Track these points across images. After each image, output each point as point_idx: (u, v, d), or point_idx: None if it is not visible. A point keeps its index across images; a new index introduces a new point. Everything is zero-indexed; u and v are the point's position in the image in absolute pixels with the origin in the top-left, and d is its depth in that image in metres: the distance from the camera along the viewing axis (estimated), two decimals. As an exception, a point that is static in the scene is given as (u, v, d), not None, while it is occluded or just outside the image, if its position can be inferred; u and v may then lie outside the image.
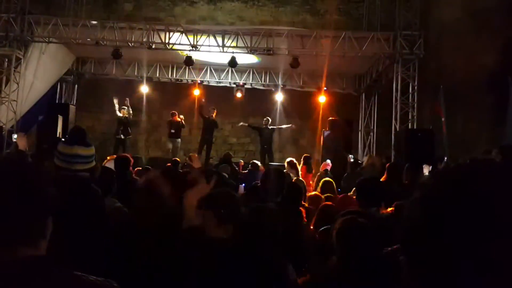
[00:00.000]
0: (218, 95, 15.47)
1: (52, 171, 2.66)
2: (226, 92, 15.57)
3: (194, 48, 12.41)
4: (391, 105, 12.14)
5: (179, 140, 14.14)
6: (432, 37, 12.07)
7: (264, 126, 13.50)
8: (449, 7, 12.15)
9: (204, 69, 15.33)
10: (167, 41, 12.39)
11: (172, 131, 13.98)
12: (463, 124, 11.08)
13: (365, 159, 11.43)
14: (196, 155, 11.69)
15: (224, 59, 12.98)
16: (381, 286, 2.19)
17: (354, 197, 4.51)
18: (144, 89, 14.86)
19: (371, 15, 13.98)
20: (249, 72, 15.36)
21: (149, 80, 14.96)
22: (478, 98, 10.31)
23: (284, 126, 13.73)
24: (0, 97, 12.52)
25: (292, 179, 5.69)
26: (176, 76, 15.48)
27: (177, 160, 10.41)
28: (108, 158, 9.75)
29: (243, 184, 8.30)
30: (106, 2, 15.86)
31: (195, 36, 12.33)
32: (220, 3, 15.80)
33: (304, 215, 4.18)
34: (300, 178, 8.06)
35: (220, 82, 15.64)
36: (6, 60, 12.40)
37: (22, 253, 1.15)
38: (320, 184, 6.81)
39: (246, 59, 13.47)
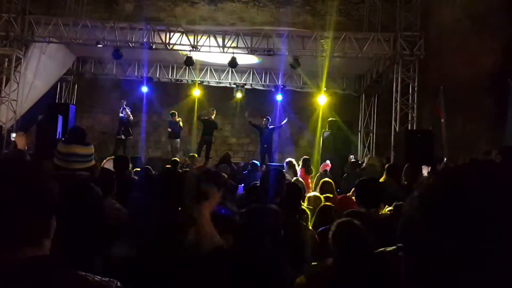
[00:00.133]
0: (218, 96, 15.50)
1: (51, 171, 2.66)
2: (226, 92, 15.59)
3: (194, 49, 12.42)
4: (391, 106, 12.15)
5: (178, 140, 14.15)
6: (433, 38, 12.07)
7: (264, 126, 13.51)
8: (449, 9, 12.15)
9: (204, 70, 15.35)
10: (167, 41, 12.40)
11: (169, 130, 14.00)
12: (462, 125, 11.07)
13: (365, 159, 11.43)
14: (197, 156, 11.74)
15: (224, 59, 12.99)
16: (380, 286, 2.20)
17: (354, 197, 4.51)
18: (144, 89, 14.86)
19: (372, 16, 13.98)
20: (249, 73, 15.38)
21: (149, 80, 14.97)
22: (478, 99, 10.31)
23: (282, 123, 13.72)
24: (0, 96, 12.53)
25: (289, 180, 5.67)
26: (176, 76, 15.50)
27: (177, 160, 10.41)
28: (108, 158, 9.76)
29: (242, 185, 8.28)
30: (106, 2, 15.86)
31: (196, 37, 12.33)
32: (220, 4, 15.80)
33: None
34: (300, 179, 8.07)
35: (220, 83, 15.65)
36: (7, 60, 12.41)
37: (26, 253, 1.14)
38: (320, 184, 6.81)
39: (246, 59, 13.48)
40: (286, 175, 6.97)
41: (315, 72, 13.93)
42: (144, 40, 12.43)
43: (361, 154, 14.96)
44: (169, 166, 8.72)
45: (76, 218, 2.17)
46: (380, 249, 2.42)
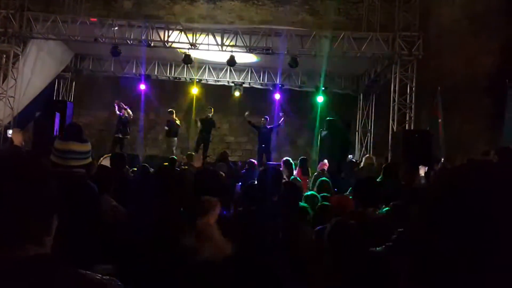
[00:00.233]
0: (216, 94, 15.48)
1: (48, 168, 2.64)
2: (225, 91, 15.57)
3: (193, 47, 12.40)
4: (389, 106, 12.16)
5: (175, 139, 14.12)
6: (431, 38, 12.08)
7: (262, 125, 13.50)
8: (448, 9, 12.17)
9: (203, 68, 15.34)
10: (166, 39, 12.38)
11: (166, 128, 13.98)
12: (460, 125, 11.08)
13: (363, 159, 11.44)
14: (196, 154, 11.71)
15: (223, 58, 12.98)
16: (370, 286, 2.20)
17: (351, 197, 4.51)
18: (142, 87, 14.83)
19: (371, 16, 13.98)
20: (248, 71, 15.36)
21: (148, 78, 14.94)
22: (476, 99, 10.33)
23: (280, 121, 13.71)
24: (-2, 93, 12.51)
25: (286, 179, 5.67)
26: (174, 74, 15.47)
27: (175, 159, 10.39)
28: (105, 156, 9.74)
29: (239, 183, 8.28)
30: (105, -1, 15.84)
31: (194, 35, 12.32)
32: (219, 2, 15.78)
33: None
34: (297, 178, 8.07)
35: (218, 81, 15.64)
36: (4, 56, 12.38)
37: (27, 251, 1.14)
38: (317, 183, 6.81)
39: (245, 58, 13.46)
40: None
41: (313, 71, 13.95)
42: (143, 37, 12.41)
43: (358, 154, 14.97)
44: (167, 164, 8.71)
45: (72, 216, 2.16)
46: (371, 249, 2.43)
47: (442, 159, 9.61)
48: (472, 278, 0.92)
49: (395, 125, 11.87)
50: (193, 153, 11.08)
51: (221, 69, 15.31)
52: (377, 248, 2.17)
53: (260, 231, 2.40)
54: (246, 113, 13.66)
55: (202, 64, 15.04)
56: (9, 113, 12.47)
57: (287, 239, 2.69)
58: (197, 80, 15.35)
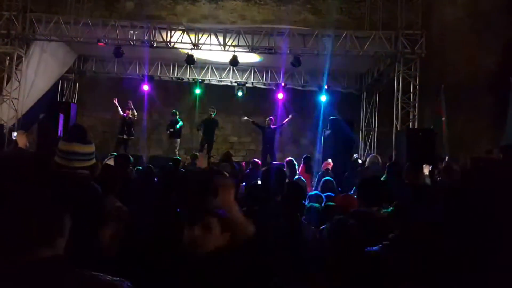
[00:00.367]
0: (219, 94, 15.48)
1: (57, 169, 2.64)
2: (227, 91, 15.58)
3: (195, 47, 12.41)
4: (392, 105, 12.13)
5: (178, 140, 14.13)
6: (434, 36, 12.06)
7: (266, 125, 13.50)
8: (451, 7, 12.14)
9: (206, 68, 15.36)
10: (168, 40, 12.40)
11: (171, 130, 13.99)
12: (464, 123, 11.06)
13: (367, 159, 11.42)
14: (201, 154, 11.72)
15: (226, 58, 12.98)
16: (369, 285, 2.20)
17: (355, 196, 4.50)
18: (145, 87, 14.86)
19: (373, 14, 13.96)
20: (250, 71, 15.37)
21: (150, 79, 14.97)
22: (479, 98, 10.30)
23: (285, 121, 13.70)
24: (2, 95, 12.55)
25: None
26: (177, 75, 15.50)
27: (179, 159, 10.40)
28: (109, 157, 9.74)
29: (244, 183, 8.28)
30: (107, 0, 15.86)
31: (197, 35, 12.32)
32: (222, 2, 15.79)
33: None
34: (302, 177, 8.07)
35: (221, 81, 15.66)
36: (8, 58, 12.42)
37: (40, 254, 1.15)
38: (321, 183, 6.81)
39: (247, 58, 13.46)
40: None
41: (316, 70, 13.93)
42: (145, 38, 12.43)
43: (362, 153, 14.95)
44: (171, 164, 8.72)
45: (76, 217, 2.17)
46: (368, 248, 2.42)
47: (447, 158, 9.60)
48: (475, 278, 0.92)
49: (398, 123, 11.84)
50: (197, 154, 11.09)
51: (224, 69, 15.33)
52: (374, 248, 2.17)
53: (263, 231, 2.40)
54: (244, 118, 13.66)
55: (204, 64, 15.07)
56: (13, 115, 12.52)
57: (290, 238, 2.70)
58: (200, 80, 15.37)
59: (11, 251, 1.13)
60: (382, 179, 5.49)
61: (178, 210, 2.92)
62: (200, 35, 12.33)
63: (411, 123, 11.84)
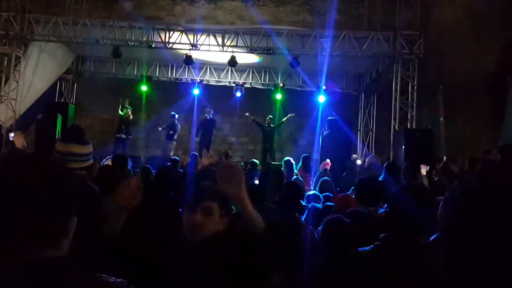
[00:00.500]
0: (218, 95, 15.47)
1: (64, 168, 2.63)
2: (226, 91, 15.58)
3: (194, 47, 12.41)
4: (390, 105, 12.15)
5: (174, 142, 14.13)
6: (432, 37, 12.07)
7: (267, 124, 13.52)
8: (449, 7, 12.15)
9: (204, 68, 15.35)
10: (167, 40, 12.39)
11: (171, 132, 13.99)
12: (462, 124, 11.07)
13: (366, 159, 11.43)
14: (205, 151, 11.74)
15: (224, 58, 12.98)
16: (362, 285, 2.20)
17: (354, 196, 4.51)
18: (144, 88, 14.84)
19: (371, 15, 13.97)
20: (249, 72, 15.38)
21: (149, 79, 14.95)
22: (477, 98, 10.32)
23: (284, 119, 13.71)
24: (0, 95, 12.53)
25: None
26: (175, 75, 15.49)
27: (177, 159, 10.40)
28: (107, 157, 9.73)
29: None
30: (106, 1, 15.84)
31: (195, 35, 12.32)
32: (220, 2, 15.79)
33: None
34: (300, 178, 8.07)
35: (219, 82, 15.65)
36: (6, 58, 12.40)
37: (44, 255, 1.14)
38: (319, 183, 6.82)
39: (246, 58, 13.47)
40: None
41: (314, 71, 13.93)
42: (144, 39, 12.43)
43: (360, 153, 14.95)
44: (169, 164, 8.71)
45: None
46: (360, 248, 2.43)
47: (444, 158, 9.61)
48: (476, 278, 0.93)
49: (396, 124, 11.86)
50: (197, 153, 11.07)
51: (222, 70, 15.32)
52: (366, 248, 2.17)
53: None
54: (246, 114, 13.66)
55: (203, 65, 15.06)
56: (11, 115, 12.50)
57: (288, 238, 2.70)
58: (199, 80, 15.37)
59: (13, 251, 1.12)
60: (379, 179, 5.50)
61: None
62: (198, 36, 12.33)
63: (409, 124, 11.86)
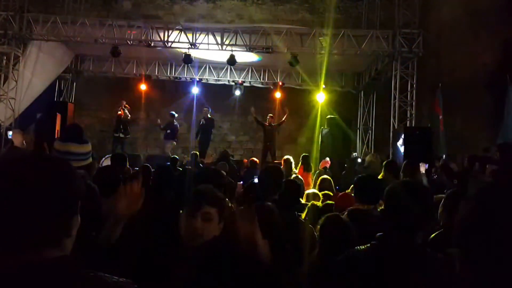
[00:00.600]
0: (217, 93, 15.47)
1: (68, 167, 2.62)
2: (225, 90, 15.57)
3: (193, 46, 12.40)
4: (390, 103, 12.15)
5: (174, 142, 14.12)
6: (431, 35, 12.06)
7: (267, 123, 13.51)
8: (448, 6, 12.14)
9: (203, 67, 15.33)
10: (166, 39, 12.39)
11: (168, 131, 13.98)
12: (461, 122, 11.07)
13: (366, 157, 11.44)
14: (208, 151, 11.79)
15: (223, 57, 12.97)
16: (356, 282, 2.19)
17: (353, 194, 4.51)
18: (143, 87, 14.83)
19: (371, 13, 13.97)
20: (248, 70, 15.37)
21: (148, 78, 14.94)
22: (477, 96, 10.31)
23: (284, 118, 13.72)
24: (-1, 95, 12.53)
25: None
26: (174, 74, 15.48)
27: (176, 158, 10.41)
28: (106, 156, 9.75)
29: (241, 182, 8.30)
30: (105, 0, 15.83)
31: (194, 34, 12.32)
32: (219, 1, 15.78)
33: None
34: (299, 176, 8.07)
35: (219, 80, 15.64)
36: (5, 58, 12.40)
37: (47, 255, 1.14)
38: (318, 181, 6.81)
39: (245, 57, 13.46)
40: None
41: (313, 69, 13.92)
42: (143, 38, 12.42)
43: (360, 152, 14.97)
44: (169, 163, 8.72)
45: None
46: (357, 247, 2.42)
47: (444, 156, 9.61)
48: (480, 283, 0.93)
49: (396, 122, 11.86)
50: (197, 153, 11.07)
51: (222, 68, 15.31)
52: (361, 247, 2.17)
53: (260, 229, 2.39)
54: (252, 108, 13.60)
55: (202, 64, 15.03)
56: (10, 114, 12.49)
57: (286, 237, 2.70)
58: (198, 79, 15.36)
59: (15, 251, 1.12)
60: (379, 177, 5.50)
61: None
62: (197, 35, 12.33)
63: (408, 122, 11.86)
